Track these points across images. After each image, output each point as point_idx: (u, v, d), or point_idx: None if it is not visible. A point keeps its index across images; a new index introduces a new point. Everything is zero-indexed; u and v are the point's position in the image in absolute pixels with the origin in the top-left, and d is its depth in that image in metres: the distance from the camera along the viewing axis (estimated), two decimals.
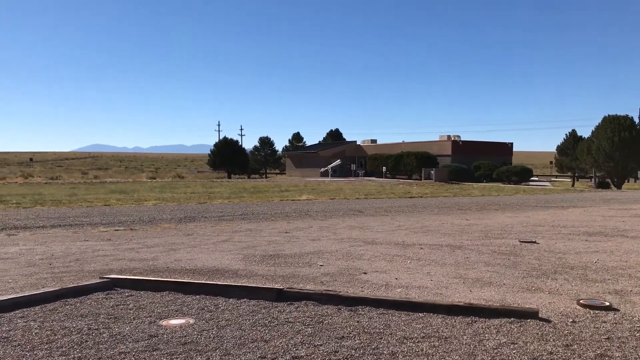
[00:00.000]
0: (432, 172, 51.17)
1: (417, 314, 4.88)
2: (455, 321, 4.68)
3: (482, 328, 4.49)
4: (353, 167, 63.01)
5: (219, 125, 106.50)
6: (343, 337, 4.24)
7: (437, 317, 4.80)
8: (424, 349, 3.99)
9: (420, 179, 51.63)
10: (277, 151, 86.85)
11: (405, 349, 4.00)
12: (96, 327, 4.51)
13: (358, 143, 71.47)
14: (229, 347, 4.01)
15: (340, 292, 5.50)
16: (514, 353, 3.94)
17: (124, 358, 3.79)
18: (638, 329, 4.60)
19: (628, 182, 51.83)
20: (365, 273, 7.11)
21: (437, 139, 60.12)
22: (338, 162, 60.65)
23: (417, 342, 4.15)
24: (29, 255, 8.81)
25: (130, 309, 5.11)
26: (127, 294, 5.72)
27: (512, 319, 4.73)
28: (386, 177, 56.61)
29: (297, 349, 3.96)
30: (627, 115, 48.11)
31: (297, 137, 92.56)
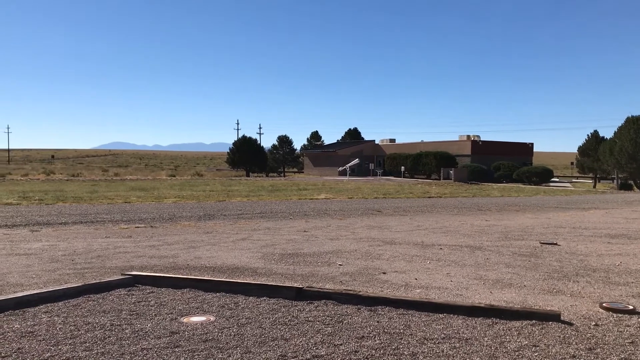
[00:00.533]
0: (451, 172, 50.87)
1: (437, 314, 4.86)
2: (476, 322, 4.65)
3: (503, 330, 4.46)
4: (371, 166, 62.88)
5: (237, 123, 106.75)
6: (363, 337, 4.24)
7: (457, 318, 4.78)
8: (445, 350, 3.97)
9: (439, 179, 51.35)
10: (296, 150, 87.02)
11: (426, 349, 3.99)
12: (119, 323, 4.57)
13: (376, 142, 71.32)
14: (249, 345, 4.03)
15: (359, 291, 5.49)
16: (536, 356, 3.90)
17: (146, 354, 3.83)
18: None
19: None
20: (384, 273, 7.10)
21: (457, 138, 59.77)
22: (356, 161, 60.57)
23: (438, 343, 4.13)
24: (51, 251, 8.94)
25: (151, 306, 5.16)
26: (148, 291, 5.78)
27: (534, 321, 4.69)
28: (405, 177, 56.40)
29: (317, 348, 3.97)
30: None
31: (315, 136, 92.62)
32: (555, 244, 10.11)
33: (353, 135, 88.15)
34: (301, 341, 4.11)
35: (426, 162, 55.24)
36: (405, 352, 3.92)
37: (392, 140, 69.84)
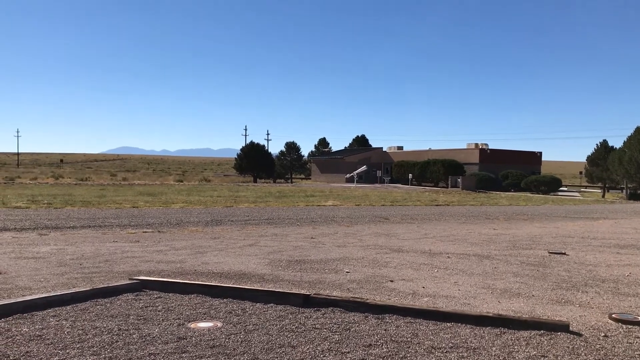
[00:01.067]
0: (459, 180, 50.73)
1: (445, 323, 4.84)
2: (484, 332, 4.62)
3: (512, 340, 4.43)
4: (379, 173, 62.80)
5: (245, 129, 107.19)
6: (370, 345, 4.23)
7: (465, 327, 4.75)
8: None
9: (447, 187, 51.22)
10: (303, 156, 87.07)
11: (434, 358, 3.97)
12: (126, 327, 4.58)
13: (384, 149, 71.27)
14: (256, 351, 4.02)
15: (367, 299, 5.48)
16: None
17: (153, 359, 3.83)
18: None
19: None
20: (392, 281, 7.08)
21: (465, 146, 59.62)
22: (364, 168, 60.53)
23: (446, 352, 4.11)
24: (60, 255, 8.98)
25: (159, 311, 5.17)
26: (156, 296, 5.79)
27: (542, 331, 4.66)
28: (412, 185, 56.29)
29: (324, 356, 3.96)
30: None
31: (323, 143, 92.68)
32: (564, 253, 10.05)
33: (360, 142, 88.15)
34: (308, 349, 4.10)
35: (434, 170, 55.12)
36: None
37: (400, 148, 69.77)
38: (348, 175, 61.55)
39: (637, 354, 4.23)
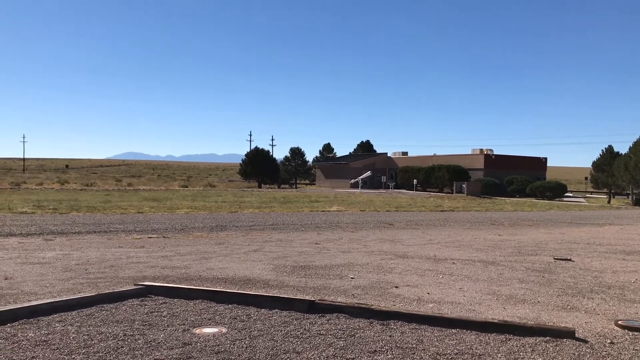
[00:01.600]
0: (463, 185, 50.64)
1: (450, 329, 4.83)
2: (489, 338, 4.61)
3: (517, 346, 4.42)
4: (383, 179, 62.75)
5: (250, 135, 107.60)
6: (375, 351, 4.22)
7: (470, 333, 4.74)
8: None
9: (452, 193, 51.13)
10: (308, 162, 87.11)
11: None
12: (131, 333, 4.58)
13: (389, 155, 71.23)
14: (261, 357, 4.02)
15: (372, 305, 5.48)
16: None
17: None
18: None
19: None
20: (396, 287, 7.07)
21: (469, 152, 59.52)
22: (368, 173, 60.49)
23: (451, 358, 4.10)
24: (65, 261, 9.01)
25: (164, 316, 5.18)
26: (161, 301, 5.80)
27: (548, 338, 4.64)
28: (417, 190, 56.22)
29: None
30: None
31: (327, 148, 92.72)
32: (570, 259, 10.01)
33: (365, 147, 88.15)
34: (313, 355, 4.10)
35: (439, 176, 55.05)
36: None
37: (405, 153, 69.72)
38: (352, 181, 61.52)
39: None
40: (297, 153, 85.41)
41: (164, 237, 13.15)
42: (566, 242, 13.47)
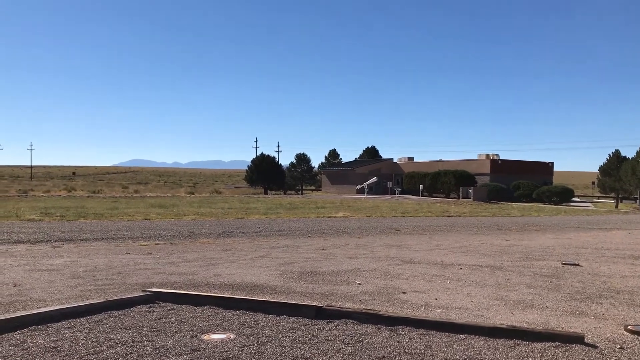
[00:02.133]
0: (470, 191, 50.52)
1: (458, 335, 4.82)
2: (497, 344, 4.60)
3: (526, 352, 4.40)
4: (389, 184, 62.72)
5: (256, 141, 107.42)
6: (384, 357, 4.22)
7: (479, 339, 4.73)
8: None
9: (458, 198, 51.02)
10: (313, 167, 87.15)
11: None
12: (140, 339, 4.60)
13: (395, 160, 71.21)
14: None
15: (380, 311, 5.47)
16: None
17: None
18: None
19: None
20: (404, 292, 7.05)
21: (476, 157, 59.43)
22: (374, 179, 60.47)
23: None
24: (73, 267, 9.04)
25: (172, 323, 5.19)
26: (169, 308, 5.81)
27: (557, 343, 4.62)
28: (423, 196, 56.14)
29: None
30: None
31: (333, 154, 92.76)
32: (577, 264, 9.97)
33: (371, 153, 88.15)
34: None
35: (445, 181, 54.97)
36: None
37: (411, 159, 69.66)
38: (358, 187, 61.52)
39: None
40: (302, 159, 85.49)
41: (171, 243, 13.18)
42: (574, 247, 13.42)
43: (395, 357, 4.21)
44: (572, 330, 5.11)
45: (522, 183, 53.01)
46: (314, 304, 5.78)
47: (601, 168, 56.00)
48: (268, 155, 76.77)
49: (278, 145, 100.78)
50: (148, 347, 4.37)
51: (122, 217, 21.79)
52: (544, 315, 5.86)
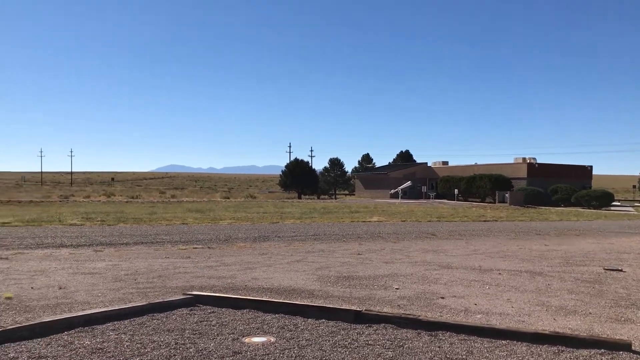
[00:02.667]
0: (506, 195, 49.73)
1: (499, 341, 4.76)
2: (540, 350, 4.53)
3: (570, 358, 4.33)
4: (424, 189, 62.19)
5: (289, 146, 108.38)
6: None
7: (521, 345, 4.66)
8: None
9: (494, 202, 50.26)
10: (347, 172, 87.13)
11: None
12: (182, 342, 4.68)
13: (429, 164, 70.63)
14: None
15: (419, 316, 5.45)
16: None
17: None
18: None
19: None
20: (442, 298, 7.00)
21: (512, 161, 58.47)
22: (409, 183, 60.04)
23: None
24: (115, 271, 9.25)
25: (213, 325, 5.26)
26: (209, 311, 5.90)
27: (602, 350, 4.52)
28: (458, 200, 55.49)
29: None
30: None
31: (366, 159, 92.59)
32: (620, 270, 9.72)
33: (405, 157, 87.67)
34: None
35: (480, 185, 54.21)
36: None
37: (445, 163, 68.97)
38: (392, 191, 61.17)
39: None
40: (336, 164, 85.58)
41: (208, 247, 13.35)
42: (616, 252, 13.08)
43: None
44: (618, 337, 4.99)
45: (560, 187, 51.91)
46: (353, 308, 5.79)
47: None
48: (302, 160, 77.14)
49: (311, 150, 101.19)
50: (191, 350, 4.45)
51: (160, 221, 22.16)
52: (588, 322, 5.74)
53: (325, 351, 4.42)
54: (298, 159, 77.10)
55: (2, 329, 4.86)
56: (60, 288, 7.52)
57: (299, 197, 68.99)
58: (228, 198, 55.29)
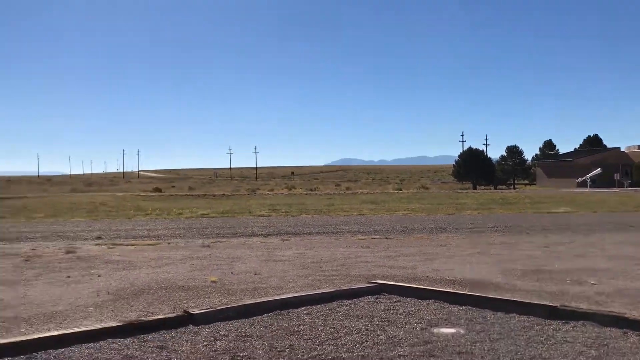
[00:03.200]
0: None
1: None
2: None
3: None
4: (617, 176, 56.55)
5: (462, 135, 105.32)
6: None
7: None
8: None
9: None
10: (526, 160, 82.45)
11: None
12: (372, 328, 4.82)
13: (622, 149, 64.02)
14: None
15: (625, 314, 4.98)
16: None
17: None
18: None
19: None
20: None
21: None
22: (598, 170, 54.99)
23: None
24: (301, 259, 9.80)
25: (400, 314, 5.33)
26: (394, 300, 5.99)
27: None
28: None
29: None
30: None
31: (548, 145, 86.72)
32: None
33: (592, 142, 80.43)
34: None
35: None
36: None
37: None
38: (580, 179, 56.51)
39: None
40: (514, 152, 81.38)
41: (386, 238, 13.54)
42: None
43: None
44: None
45: None
46: (547, 303, 5.48)
47: None
48: (476, 149, 74.76)
49: (486, 138, 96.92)
50: (381, 336, 4.56)
51: (338, 212, 22.99)
52: None
53: (520, 346, 4.24)
54: (472, 148, 74.90)
55: (213, 308, 5.42)
56: (256, 274, 8.17)
57: (474, 188, 66.91)
58: (400, 190, 55.49)
